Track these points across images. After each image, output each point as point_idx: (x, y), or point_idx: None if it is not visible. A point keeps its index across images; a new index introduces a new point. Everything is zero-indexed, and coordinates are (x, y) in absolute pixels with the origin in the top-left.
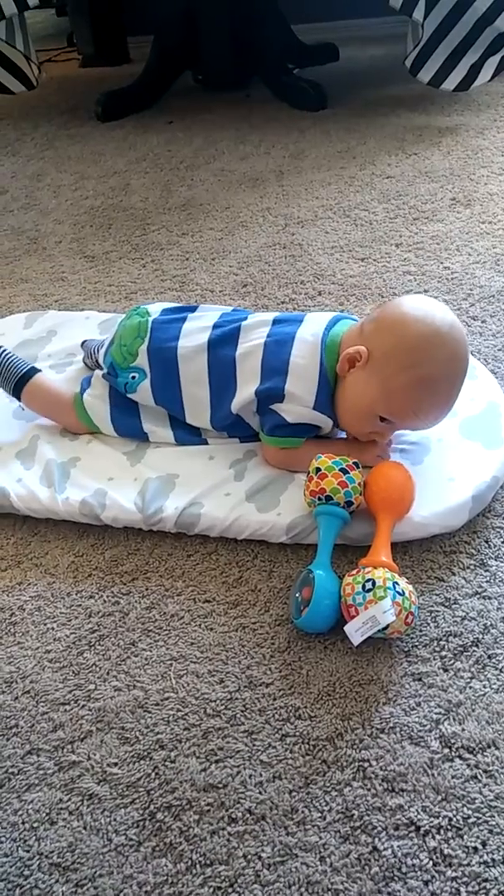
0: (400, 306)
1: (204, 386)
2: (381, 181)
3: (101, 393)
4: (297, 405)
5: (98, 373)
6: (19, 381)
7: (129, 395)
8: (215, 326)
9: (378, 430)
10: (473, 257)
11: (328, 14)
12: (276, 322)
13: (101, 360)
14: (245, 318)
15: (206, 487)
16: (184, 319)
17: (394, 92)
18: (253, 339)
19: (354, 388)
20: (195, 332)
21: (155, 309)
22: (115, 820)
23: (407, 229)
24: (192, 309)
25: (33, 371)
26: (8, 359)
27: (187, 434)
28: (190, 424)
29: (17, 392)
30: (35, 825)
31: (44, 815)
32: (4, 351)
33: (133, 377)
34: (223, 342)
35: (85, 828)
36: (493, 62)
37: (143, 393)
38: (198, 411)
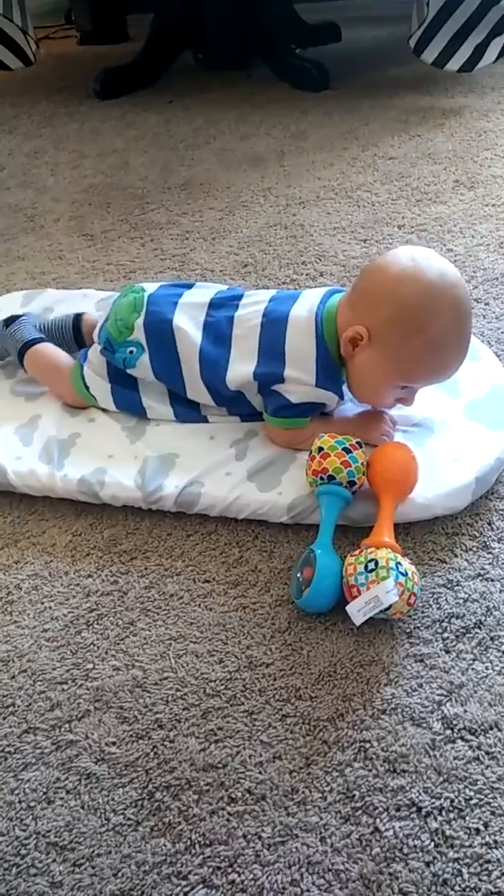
0: (384, 270)
1: (196, 363)
2: (383, 162)
3: (99, 368)
4: (299, 385)
5: (95, 347)
6: (24, 345)
7: (128, 371)
8: (212, 304)
9: (402, 397)
10: (477, 240)
11: None
12: (272, 300)
13: (96, 338)
14: (241, 296)
15: (207, 466)
16: (179, 295)
17: (397, 73)
18: (249, 320)
19: (366, 367)
20: (192, 309)
21: (151, 286)
22: (113, 799)
23: (410, 211)
24: (189, 286)
25: (38, 340)
26: (22, 326)
27: (187, 410)
28: (190, 400)
29: (21, 356)
30: (32, 804)
31: (41, 794)
32: (22, 318)
33: (131, 351)
34: (220, 321)
35: (83, 807)
36: (498, 42)
37: (143, 368)
38: (197, 385)
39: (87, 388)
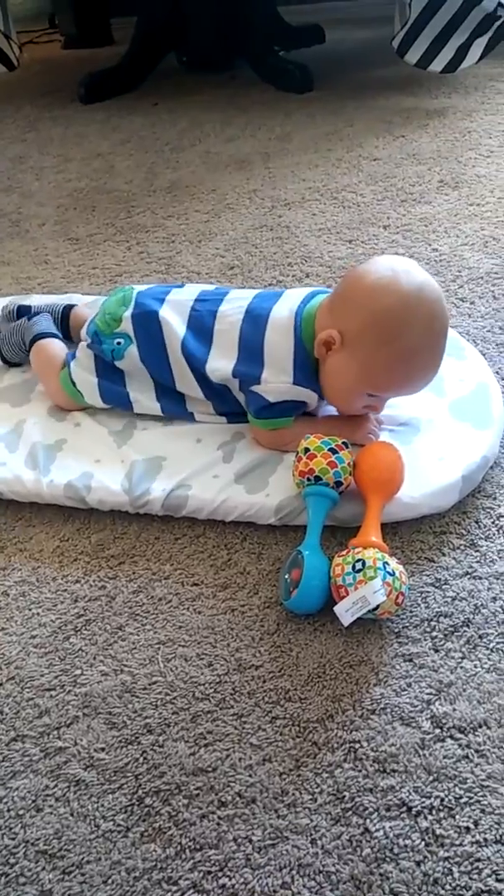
0: (363, 278)
1: (178, 347)
2: (368, 163)
3: (87, 364)
4: (277, 384)
5: (82, 344)
6: (35, 337)
7: (116, 363)
8: (197, 300)
9: (370, 404)
10: (462, 239)
11: None
12: (255, 297)
13: (84, 333)
14: (226, 294)
15: (194, 469)
16: (167, 293)
17: (381, 74)
18: (231, 316)
19: (336, 371)
20: (178, 303)
21: (140, 286)
22: (102, 806)
23: (395, 211)
24: (178, 286)
25: (44, 335)
26: (40, 319)
27: (173, 405)
28: (177, 394)
29: (30, 348)
30: (21, 812)
31: (30, 802)
32: (43, 314)
33: (118, 343)
34: (203, 314)
35: (72, 814)
36: (480, 43)
37: (131, 359)
38: (185, 375)
39: (73, 384)
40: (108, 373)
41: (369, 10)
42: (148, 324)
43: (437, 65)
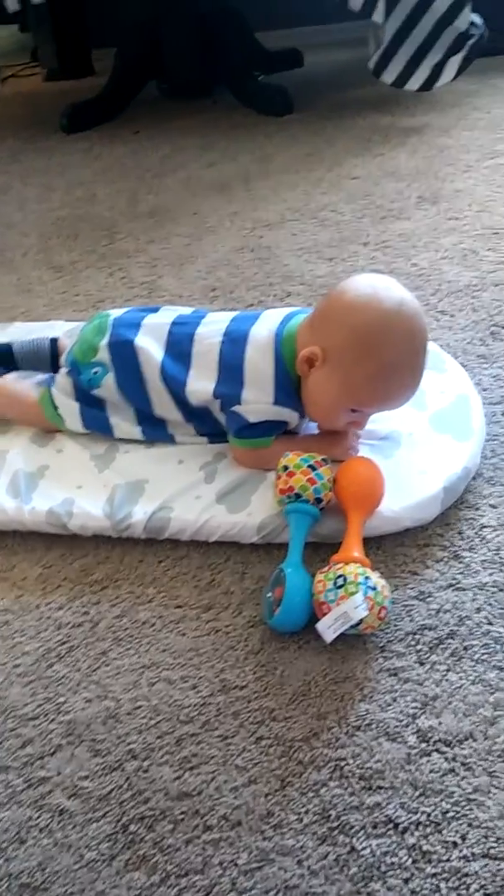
0: (343, 295)
1: (157, 373)
2: (347, 182)
3: (68, 389)
4: (257, 404)
5: (63, 370)
6: None
7: (93, 392)
8: (174, 323)
9: (353, 420)
10: (441, 253)
11: (292, 20)
12: (233, 321)
13: (63, 362)
14: (204, 316)
15: (176, 490)
16: (143, 317)
17: (359, 94)
18: (210, 337)
19: (318, 388)
20: (154, 328)
21: (117, 311)
22: (86, 835)
23: (374, 228)
24: (154, 309)
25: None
26: None
27: (154, 429)
28: (156, 419)
29: None
30: (4, 845)
31: (13, 833)
32: None
33: (95, 372)
34: (181, 337)
35: (56, 845)
36: (455, 61)
37: (108, 388)
38: (163, 400)
39: (55, 408)
40: (89, 398)
41: (345, 33)
42: (124, 352)
43: (413, 84)
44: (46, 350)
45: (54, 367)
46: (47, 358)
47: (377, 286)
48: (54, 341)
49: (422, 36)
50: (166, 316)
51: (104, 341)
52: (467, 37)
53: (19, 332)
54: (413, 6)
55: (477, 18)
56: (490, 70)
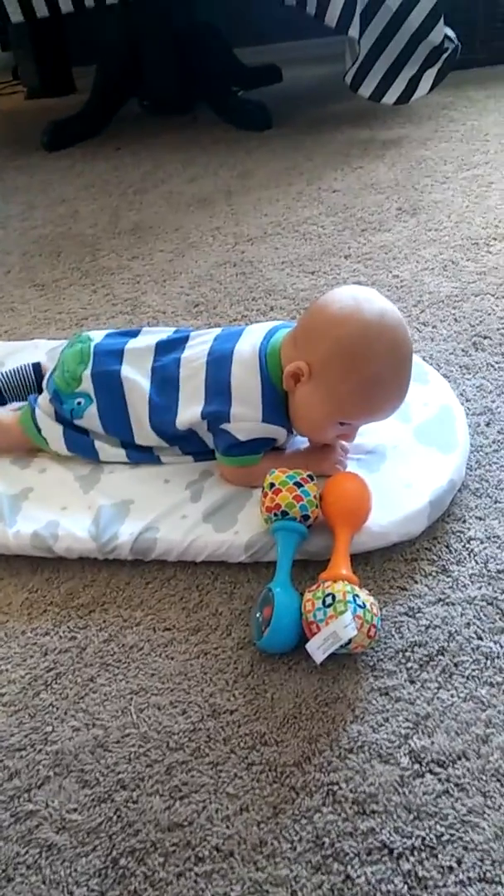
0: (325, 308)
1: (145, 407)
2: (328, 195)
3: (50, 412)
4: (246, 422)
5: (45, 394)
6: None
7: (76, 422)
8: (158, 348)
9: (342, 433)
10: (422, 264)
11: (270, 36)
12: (216, 339)
13: (45, 387)
14: (187, 338)
15: (162, 511)
16: (125, 343)
17: (337, 109)
18: (195, 360)
19: (306, 402)
20: (138, 355)
21: (97, 335)
22: (75, 871)
23: (355, 241)
24: (135, 333)
25: None
26: None
27: (139, 452)
28: (141, 445)
29: None
30: None
31: (0, 871)
32: None
33: (79, 402)
34: (167, 364)
35: (44, 882)
36: (430, 75)
37: (91, 419)
38: (145, 433)
39: (38, 430)
40: (71, 423)
41: (323, 48)
42: (109, 384)
43: (390, 97)
44: (32, 377)
45: (40, 391)
46: (33, 385)
47: (358, 297)
48: (37, 366)
49: (397, 50)
50: (148, 340)
51: (87, 371)
52: (442, 50)
53: (1, 352)
54: (388, 21)
55: (450, 32)
56: (464, 83)
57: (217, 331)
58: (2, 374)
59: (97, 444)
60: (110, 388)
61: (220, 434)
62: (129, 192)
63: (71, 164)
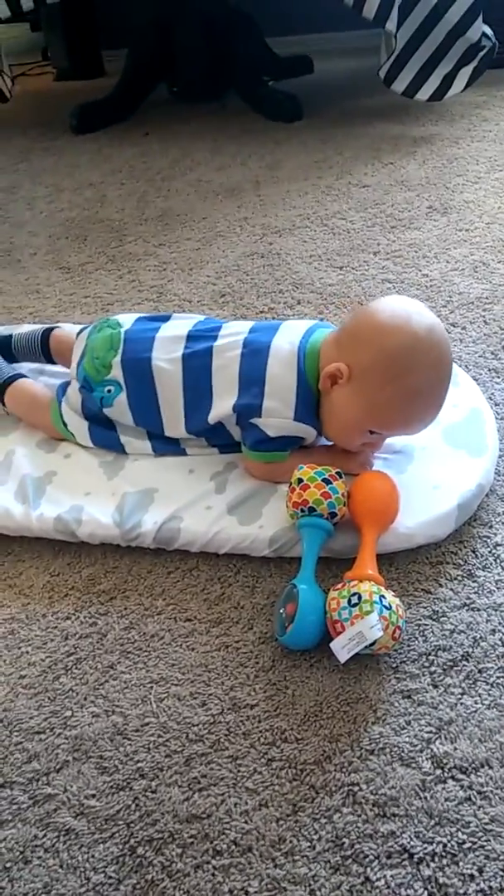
0: (375, 315)
1: (179, 398)
2: (357, 190)
3: (76, 405)
4: (277, 418)
5: (75, 383)
6: (3, 384)
7: (105, 410)
8: (189, 337)
9: (369, 442)
10: (451, 265)
11: (303, 27)
12: (252, 331)
13: (74, 373)
14: (220, 328)
15: (186, 501)
16: (156, 329)
17: (369, 103)
18: (229, 351)
19: (340, 405)
20: (169, 343)
21: (126, 319)
22: (93, 857)
23: (384, 237)
24: (165, 318)
25: (18, 376)
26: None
27: (165, 444)
28: (167, 437)
29: (0, 395)
30: (8, 865)
31: (17, 853)
32: None
33: (109, 391)
34: (199, 353)
35: (61, 866)
36: (465, 72)
37: (120, 407)
38: (174, 423)
39: (65, 424)
40: (98, 417)
41: (356, 40)
42: (140, 372)
43: (424, 93)
44: (37, 341)
45: (46, 358)
46: (38, 348)
47: (410, 310)
48: (47, 333)
49: (434, 45)
50: (179, 326)
51: (117, 358)
52: (479, 48)
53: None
54: (426, 16)
55: (488, 30)
56: (499, 82)
57: (251, 323)
58: (16, 336)
59: (123, 438)
60: (141, 376)
61: (250, 428)
62: (157, 178)
63: (98, 148)
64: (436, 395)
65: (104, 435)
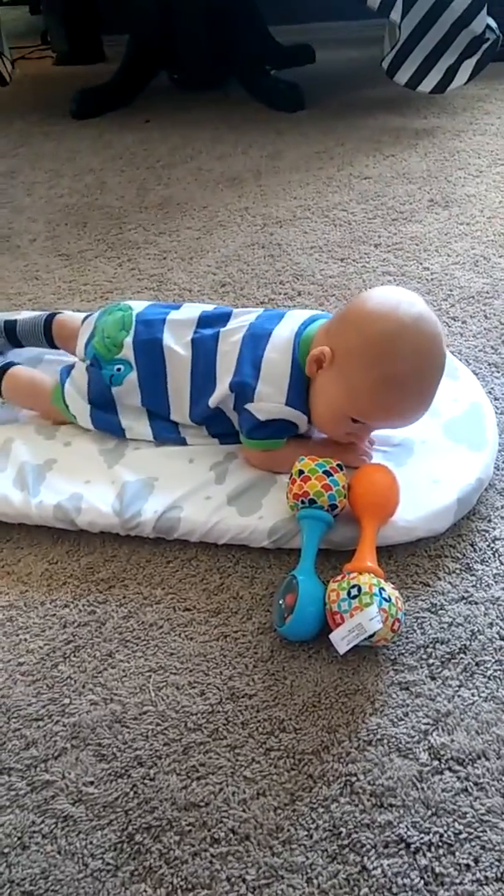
0: (364, 302)
1: (186, 381)
2: (358, 182)
3: (81, 386)
4: (268, 402)
5: (81, 364)
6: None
7: (113, 388)
8: (200, 321)
9: (352, 432)
10: (452, 258)
11: (305, 16)
12: (258, 318)
13: (81, 353)
14: (230, 314)
15: (186, 490)
16: (167, 313)
17: (370, 94)
18: (233, 336)
19: (323, 390)
20: (180, 326)
21: (138, 305)
22: (91, 843)
23: (385, 230)
24: (177, 307)
25: (10, 364)
26: None
27: (165, 430)
28: (169, 421)
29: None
30: (6, 850)
31: (15, 839)
32: None
33: (119, 369)
34: (207, 337)
35: (59, 852)
36: (468, 65)
37: (129, 386)
38: (180, 406)
39: (66, 406)
40: (101, 400)
41: (359, 30)
42: (151, 352)
43: (426, 86)
44: (41, 326)
45: (50, 344)
46: (41, 334)
47: (401, 299)
48: (50, 318)
49: (437, 37)
50: (190, 311)
51: (129, 338)
52: (482, 40)
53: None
54: (430, 6)
55: (492, 23)
56: (502, 75)
57: (260, 310)
58: (22, 320)
59: (124, 423)
60: (152, 357)
61: (244, 414)
62: (157, 166)
63: (98, 134)
64: (418, 385)
65: (105, 419)
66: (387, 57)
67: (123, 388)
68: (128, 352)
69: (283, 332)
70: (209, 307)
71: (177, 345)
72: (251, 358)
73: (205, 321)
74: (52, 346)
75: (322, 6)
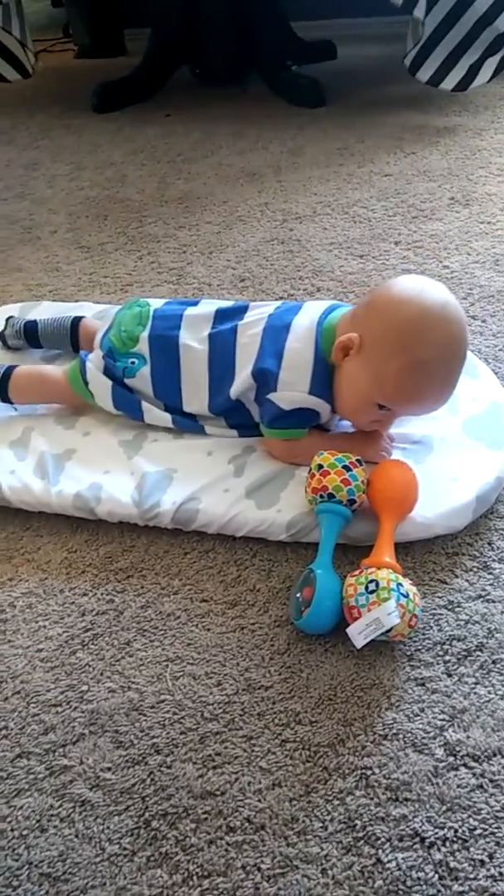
0: (391, 288)
1: (204, 375)
2: (379, 179)
3: (100, 367)
4: (292, 391)
5: (98, 351)
6: (3, 378)
7: (126, 381)
8: (217, 316)
9: (378, 419)
10: (472, 257)
11: (327, 12)
12: (276, 310)
13: (98, 345)
14: (247, 308)
15: (205, 483)
16: (184, 309)
17: (392, 91)
18: (252, 328)
19: (349, 377)
20: (197, 322)
21: (155, 301)
22: (108, 828)
23: (405, 227)
24: (194, 303)
25: (10, 368)
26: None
27: (184, 418)
28: (183, 412)
29: (4, 394)
30: (25, 833)
31: (34, 822)
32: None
33: (132, 362)
34: (224, 331)
35: (77, 836)
36: (491, 63)
37: (142, 380)
38: (195, 399)
39: (86, 384)
40: (121, 381)
41: (381, 27)
42: (166, 347)
43: (449, 83)
44: (67, 329)
45: (74, 347)
46: (67, 336)
47: (426, 286)
48: (76, 321)
49: (461, 34)
50: (207, 307)
51: (145, 333)
52: None
53: (48, 313)
54: (454, 4)
55: None
56: None
57: (277, 303)
58: (43, 321)
59: (144, 404)
60: (167, 352)
61: (265, 404)
62: (178, 160)
63: (119, 128)
64: (444, 371)
65: (126, 398)
66: (409, 54)
67: (136, 380)
68: (143, 346)
69: (304, 322)
70: (226, 303)
71: (193, 340)
72: (273, 349)
73: (222, 316)
74: (76, 349)
75: (345, 2)
